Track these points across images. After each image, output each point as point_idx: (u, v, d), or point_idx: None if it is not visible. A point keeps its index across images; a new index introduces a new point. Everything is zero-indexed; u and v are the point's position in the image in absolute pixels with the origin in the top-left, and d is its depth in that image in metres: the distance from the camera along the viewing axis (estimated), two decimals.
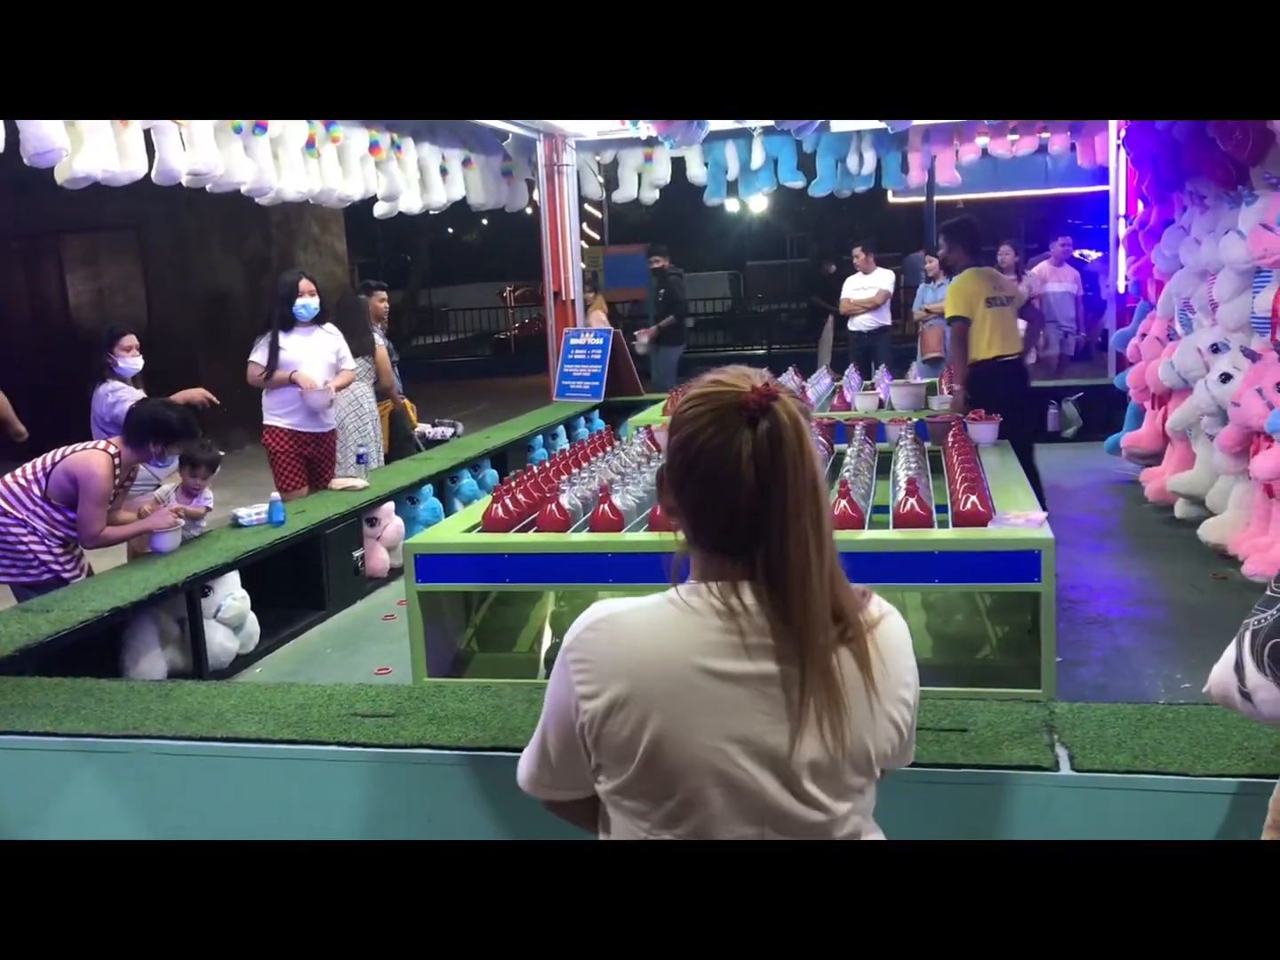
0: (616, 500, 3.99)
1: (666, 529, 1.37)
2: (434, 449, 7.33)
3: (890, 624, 1.32)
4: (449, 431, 7.90)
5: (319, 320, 5.75)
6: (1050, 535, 3.44)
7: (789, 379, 7.59)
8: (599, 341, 9.58)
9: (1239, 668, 1.77)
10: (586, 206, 17.30)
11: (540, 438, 8.03)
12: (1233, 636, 1.78)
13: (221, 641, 4.37)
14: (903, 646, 1.33)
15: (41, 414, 6.59)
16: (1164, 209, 6.76)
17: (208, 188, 6.36)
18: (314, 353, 5.72)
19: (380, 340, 6.72)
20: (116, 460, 4.27)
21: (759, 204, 22.29)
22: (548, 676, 1.36)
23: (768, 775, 1.24)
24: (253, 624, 4.60)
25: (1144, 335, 6.87)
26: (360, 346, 6.35)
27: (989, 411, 5.21)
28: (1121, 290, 9.02)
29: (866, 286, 10.15)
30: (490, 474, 7.02)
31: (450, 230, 29.39)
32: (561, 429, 8.42)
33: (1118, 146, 8.71)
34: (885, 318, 10.20)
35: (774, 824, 1.26)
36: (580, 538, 3.80)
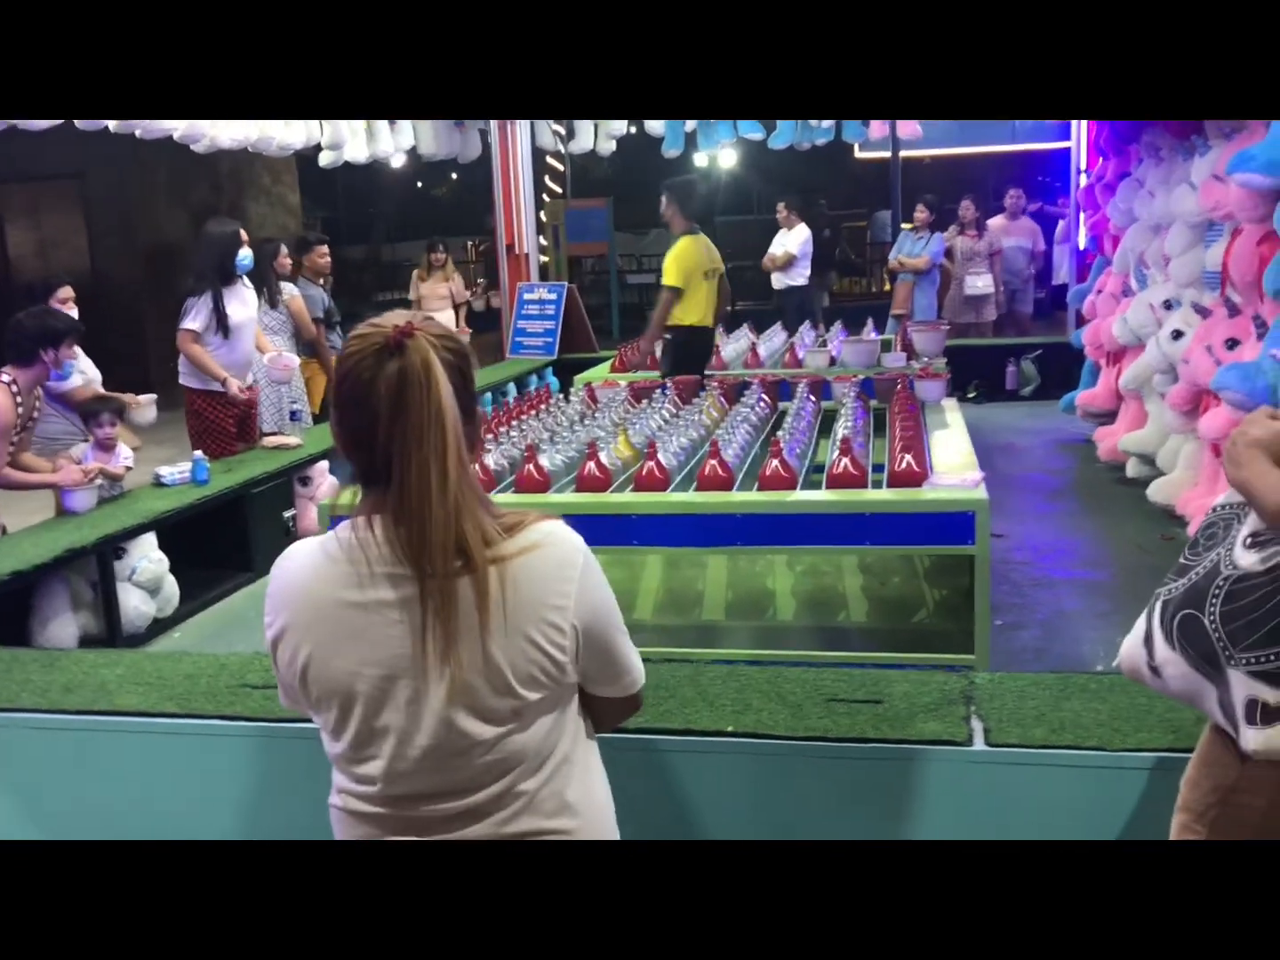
0: (544, 460, 3.85)
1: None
2: None
3: (541, 554, 1.36)
4: None
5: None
6: (985, 496, 3.32)
7: (742, 334, 7.45)
8: (553, 297, 9.39)
9: (1148, 640, 1.65)
10: (549, 160, 17.04)
11: (489, 395, 7.85)
12: None
13: (136, 605, 4.21)
14: (553, 573, 1.37)
15: None
16: (1120, 162, 6.62)
17: (136, 133, 6.12)
18: (248, 310, 5.51)
19: (294, 290, 6.48)
20: (14, 387, 4.10)
21: (726, 158, 22.01)
22: None
23: (407, 696, 1.34)
24: (171, 587, 4.44)
25: (1100, 291, 6.75)
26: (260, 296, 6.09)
27: (680, 370, 5.29)
28: (1081, 246, 8.89)
29: (782, 244, 9.88)
30: None
31: (419, 184, 28.88)
32: (512, 386, 8.24)
33: None
34: (795, 277, 9.84)
35: (428, 741, 1.34)
36: (502, 498, 3.65)
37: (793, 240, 9.74)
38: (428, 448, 1.29)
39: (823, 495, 3.47)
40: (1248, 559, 1.51)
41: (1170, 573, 1.67)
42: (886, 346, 6.76)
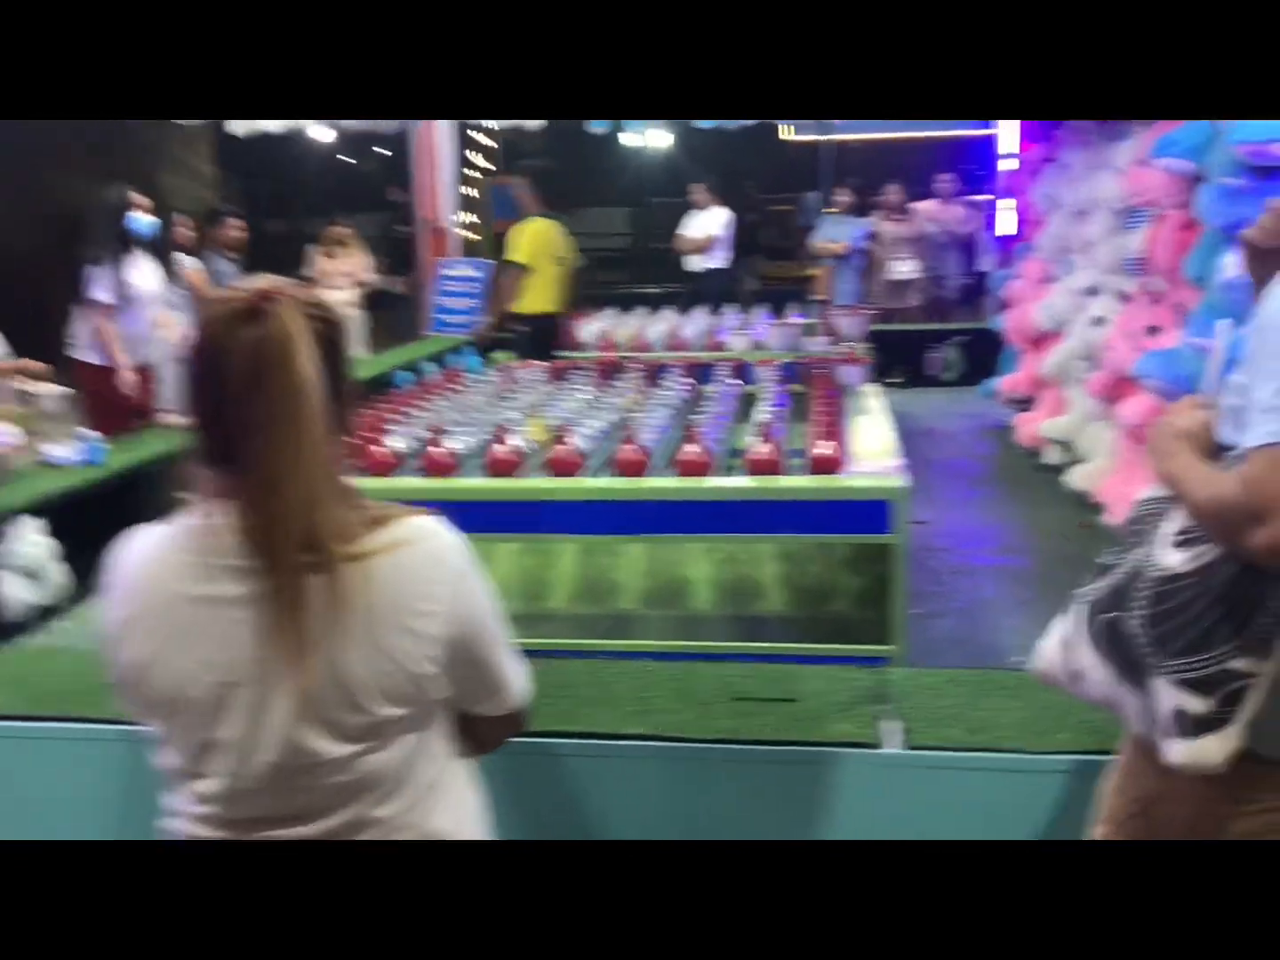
0: (453, 442, 3.69)
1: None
2: None
3: (410, 553, 1.23)
4: None
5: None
6: (903, 484, 3.24)
7: (667, 316, 7.32)
8: (478, 274, 9.16)
9: (1068, 644, 1.56)
10: (481, 136, 16.70)
11: (406, 373, 7.62)
12: None
13: (14, 593, 3.96)
14: (421, 575, 1.23)
15: None
16: (1046, 146, 6.60)
17: None
18: (149, 282, 5.24)
19: (194, 264, 6.21)
20: None
21: (660, 139, 21.83)
22: None
23: (249, 706, 1.19)
24: (57, 573, 4.20)
25: (1023, 277, 6.74)
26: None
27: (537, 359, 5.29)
28: (1006, 231, 8.90)
29: (701, 226, 9.60)
30: None
31: (346, 159, 28.28)
32: (432, 365, 8.02)
33: None
34: (715, 260, 9.58)
35: (272, 758, 1.20)
36: (406, 483, 3.48)
37: (714, 222, 9.55)
38: (284, 426, 1.16)
39: (739, 482, 3.36)
40: (1175, 558, 1.42)
41: (1091, 571, 1.57)
42: (810, 330, 6.67)
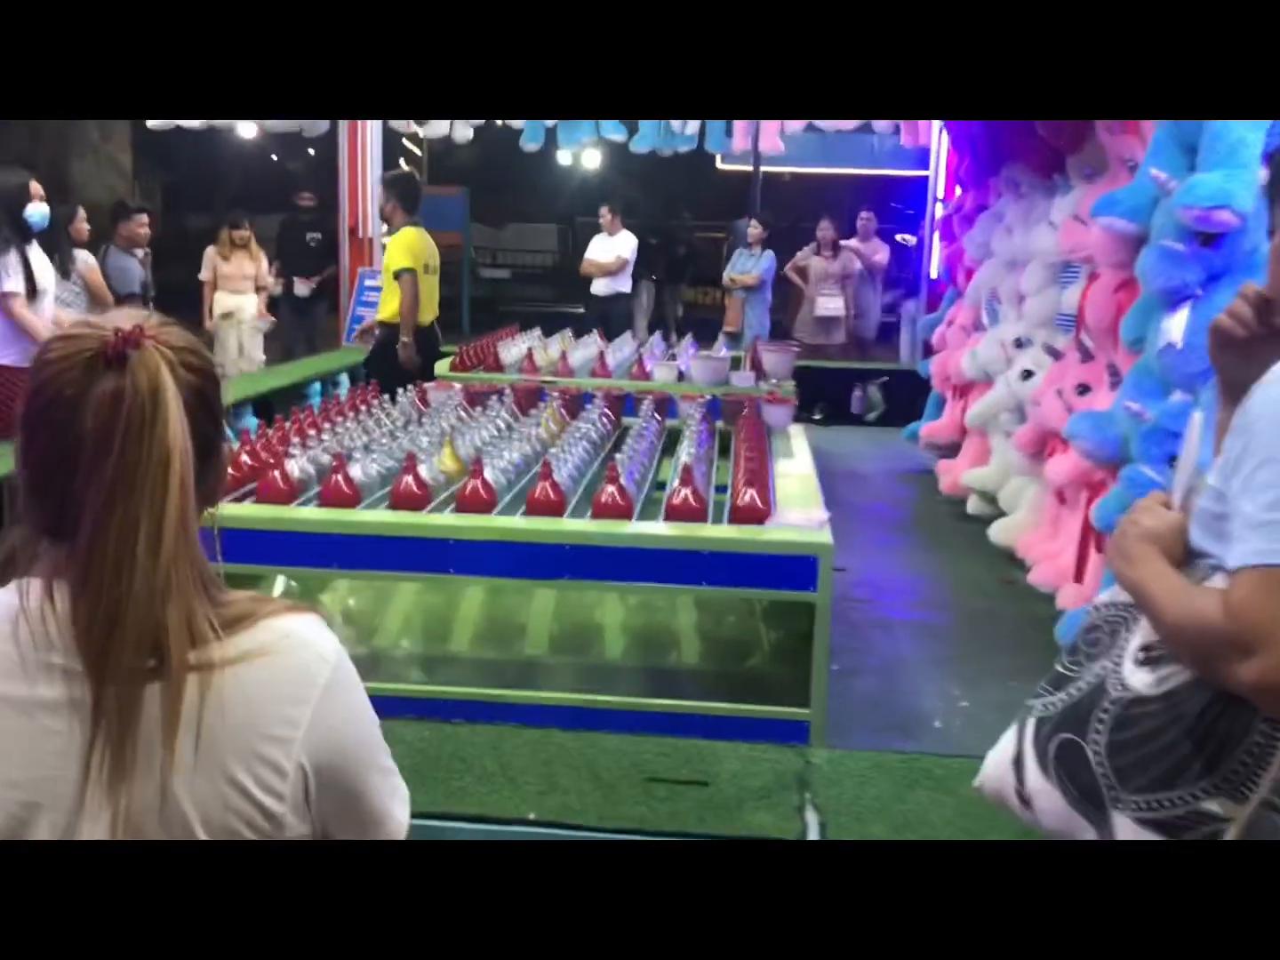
0: (356, 470, 3.46)
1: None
2: None
3: (268, 664, 1.02)
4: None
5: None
6: (829, 540, 3.09)
7: (590, 341, 7.15)
8: None
9: (1018, 763, 1.40)
10: (406, 142, 16.42)
11: (318, 384, 7.35)
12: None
13: None
14: (280, 693, 1.02)
15: None
16: (980, 194, 6.59)
17: None
18: (50, 275, 4.91)
19: (90, 259, 5.89)
20: None
21: (591, 159, 21.73)
22: None
23: (51, 834, 0.98)
24: None
25: (950, 323, 6.71)
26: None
27: (405, 373, 5.37)
28: (934, 275, 8.93)
29: (609, 249, 9.53)
30: (252, 423, 6.33)
31: (275, 157, 27.62)
32: (345, 376, 7.75)
33: (940, 129, 8.57)
34: (623, 284, 9.56)
35: None
36: (303, 513, 3.25)
37: (624, 245, 9.44)
38: (139, 499, 0.96)
39: (660, 529, 3.19)
40: (1139, 678, 1.27)
41: (1043, 683, 1.42)
42: (736, 364, 6.56)
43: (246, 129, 13.22)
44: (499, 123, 9.37)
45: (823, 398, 8.79)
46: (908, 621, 4.38)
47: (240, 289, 8.02)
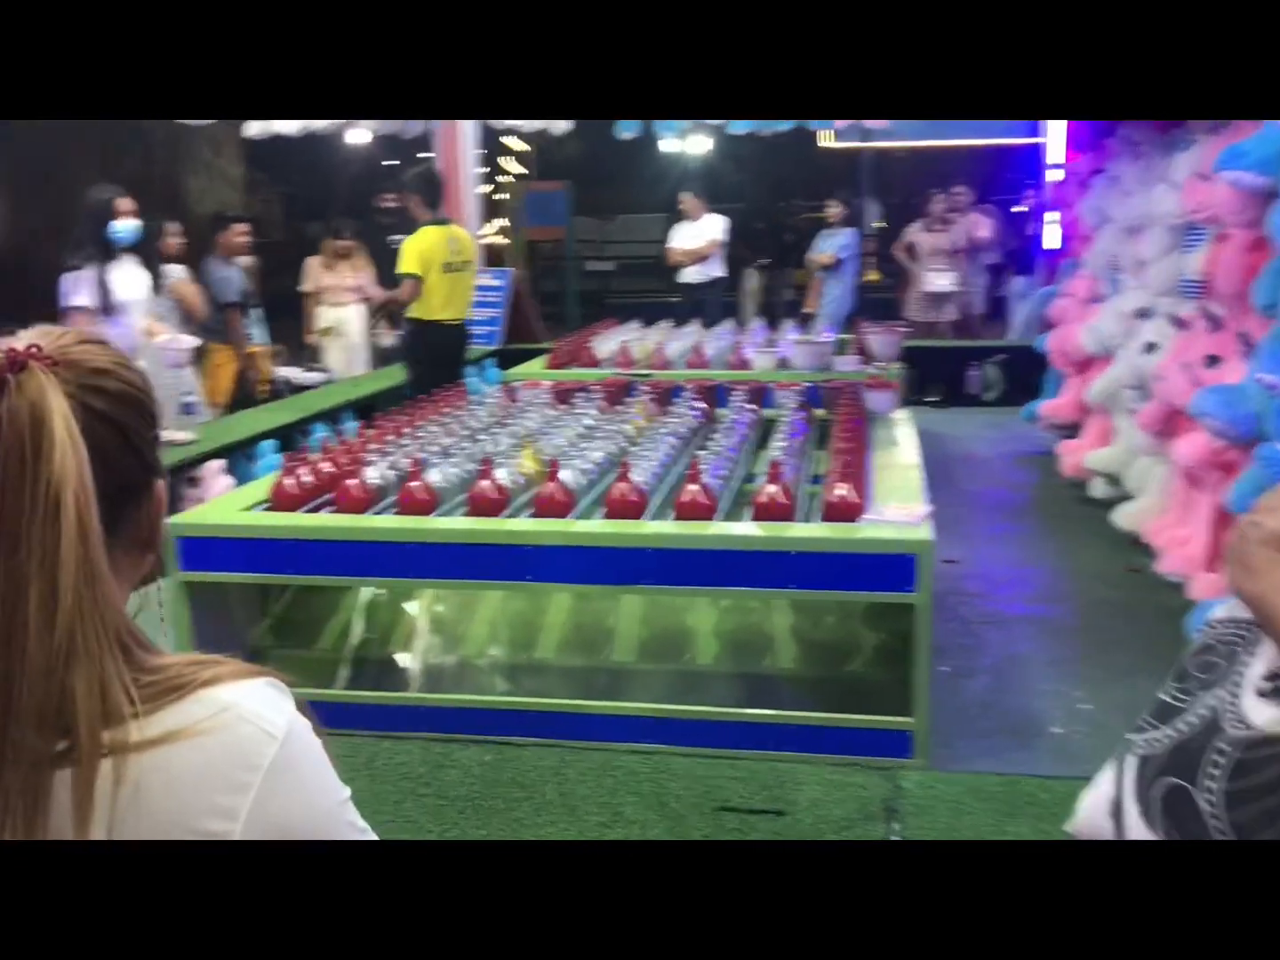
0: (434, 475, 3.37)
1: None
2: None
3: (200, 745, 0.85)
4: (320, 377, 7.14)
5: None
6: (929, 536, 2.87)
7: (689, 330, 6.98)
8: (498, 283, 8.88)
9: (1117, 810, 1.19)
10: (513, 140, 16.45)
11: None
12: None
13: None
14: (214, 778, 0.85)
15: None
16: (1096, 156, 6.19)
17: None
18: (134, 289, 4.96)
19: (178, 273, 5.92)
20: None
21: (696, 145, 21.53)
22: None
23: None
24: None
25: (1069, 296, 6.33)
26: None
27: (431, 370, 5.26)
28: (1050, 246, 8.49)
29: (695, 235, 9.14)
30: (352, 427, 6.33)
31: (387, 163, 28.05)
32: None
33: None
34: (716, 269, 9.13)
35: None
36: (377, 522, 3.17)
37: (713, 228, 9.09)
38: (26, 554, 0.82)
39: (745, 529, 3.01)
40: (1263, 713, 1.05)
41: (1147, 713, 1.21)
42: (841, 348, 6.31)
43: (356, 134, 13.38)
44: None
45: (939, 378, 8.47)
46: (1024, 616, 4.10)
47: (343, 301, 7.81)
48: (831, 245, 9.17)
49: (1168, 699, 1.20)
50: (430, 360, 5.48)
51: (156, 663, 0.87)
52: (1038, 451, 6.68)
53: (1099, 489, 5.44)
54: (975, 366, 8.45)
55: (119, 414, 0.88)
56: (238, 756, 0.85)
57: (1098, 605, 4.16)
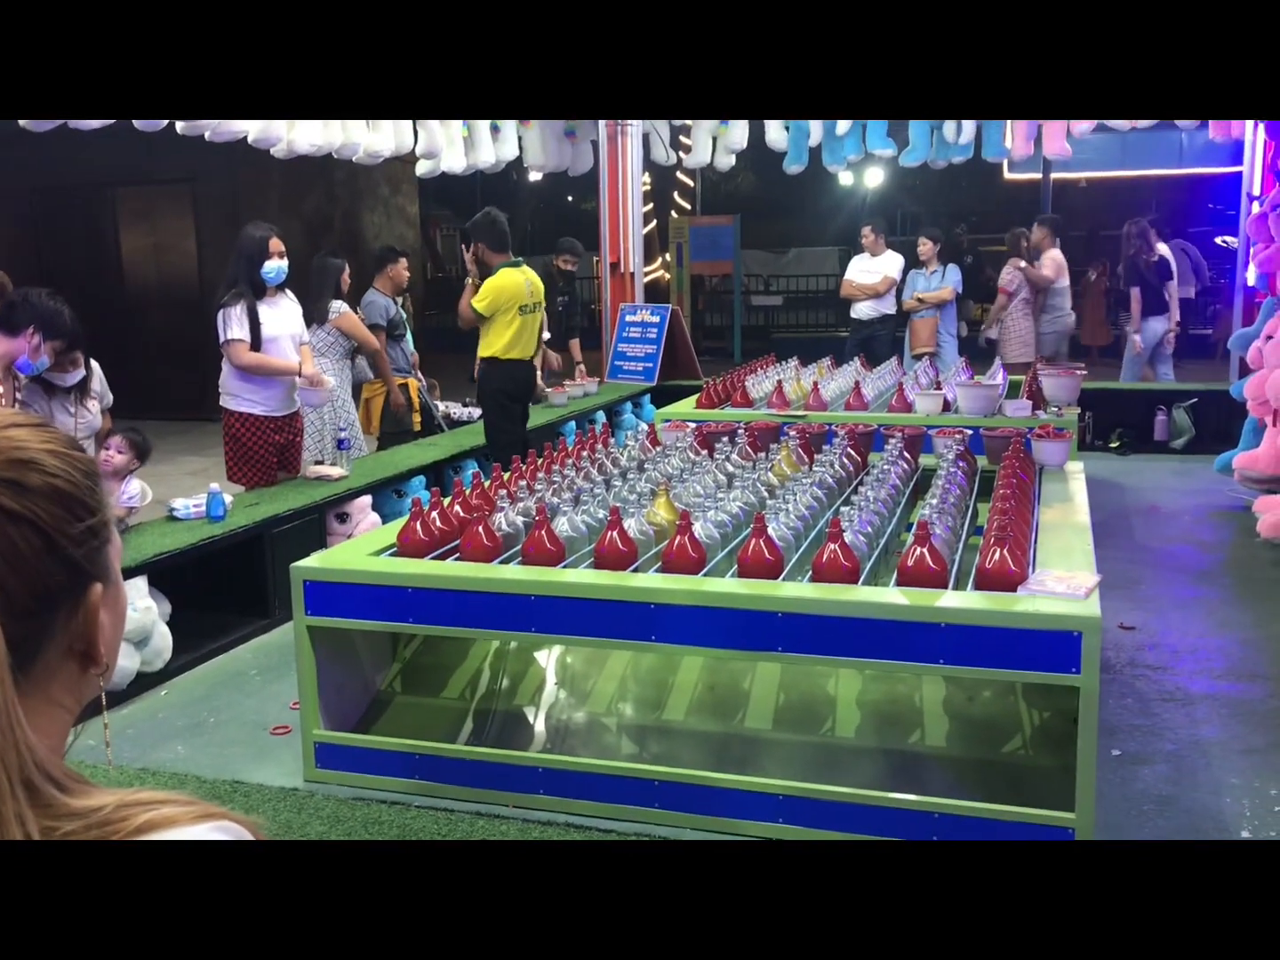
0: (562, 524, 3.23)
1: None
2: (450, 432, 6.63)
3: None
4: (477, 413, 7.16)
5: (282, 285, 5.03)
6: (1096, 613, 2.56)
7: (849, 370, 6.70)
8: (655, 319, 8.80)
9: None
10: (679, 175, 16.47)
11: (573, 424, 7.27)
12: None
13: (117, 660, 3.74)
14: None
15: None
16: None
17: (206, 135, 5.77)
18: (285, 324, 5.02)
19: (342, 307, 5.96)
20: None
21: (873, 178, 21.15)
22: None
23: None
24: (162, 639, 3.97)
25: (1270, 338, 5.79)
26: (311, 314, 5.60)
27: (501, 405, 5.48)
28: (1251, 283, 7.86)
29: (872, 270, 8.89)
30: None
31: (569, 198, 28.47)
32: (601, 414, 7.66)
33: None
34: (889, 306, 8.91)
35: None
36: (505, 572, 3.04)
37: (891, 265, 8.91)
38: None
39: (889, 596, 2.76)
40: None
41: None
42: (1012, 391, 5.94)
43: (533, 174, 13.59)
44: (768, 148, 9.09)
45: (1122, 423, 7.94)
46: (1211, 695, 3.68)
47: None
48: (935, 284, 8.87)
49: None
50: (507, 397, 5.53)
51: (79, 805, 0.73)
52: (1232, 507, 6.13)
53: None
54: (1163, 411, 7.90)
55: (39, 512, 0.75)
56: None
57: None
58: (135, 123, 5.12)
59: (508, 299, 5.34)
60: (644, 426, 4.82)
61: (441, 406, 7.17)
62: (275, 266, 4.84)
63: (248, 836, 0.77)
